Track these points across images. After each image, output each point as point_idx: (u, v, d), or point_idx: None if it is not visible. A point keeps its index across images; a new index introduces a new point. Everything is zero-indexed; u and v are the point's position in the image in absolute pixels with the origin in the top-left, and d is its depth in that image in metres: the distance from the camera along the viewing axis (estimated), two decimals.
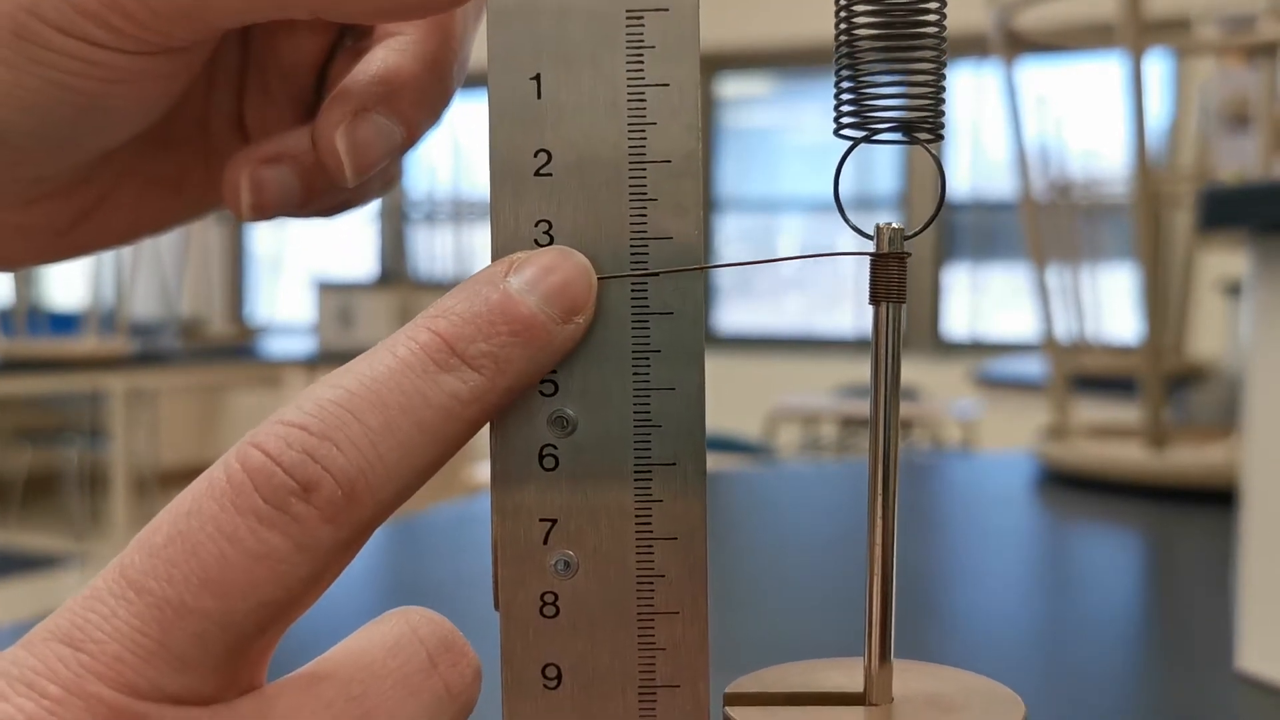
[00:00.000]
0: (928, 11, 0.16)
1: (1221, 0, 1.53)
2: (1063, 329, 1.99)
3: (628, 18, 0.16)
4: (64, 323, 3.73)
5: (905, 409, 3.91)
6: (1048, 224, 2.10)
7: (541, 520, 0.17)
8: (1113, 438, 1.27)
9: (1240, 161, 1.74)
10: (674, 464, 0.17)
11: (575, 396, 0.17)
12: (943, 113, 0.16)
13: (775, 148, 5.40)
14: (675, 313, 0.17)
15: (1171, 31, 1.98)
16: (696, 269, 0.16)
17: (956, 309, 4.95)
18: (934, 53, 0.17)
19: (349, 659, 0.18)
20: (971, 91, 4.76)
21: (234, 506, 0.17)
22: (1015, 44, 1.25)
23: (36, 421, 4.44)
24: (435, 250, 3.79)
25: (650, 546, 0.17)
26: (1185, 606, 0.75)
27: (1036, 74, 1.57)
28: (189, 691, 0.17)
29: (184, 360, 3.25)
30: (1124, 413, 1.67)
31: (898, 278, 0.16)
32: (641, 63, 0.16)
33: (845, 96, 0.16)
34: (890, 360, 0.17)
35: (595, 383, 0.17)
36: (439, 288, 3.46)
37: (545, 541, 0.17)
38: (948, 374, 4.31)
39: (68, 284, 5.18)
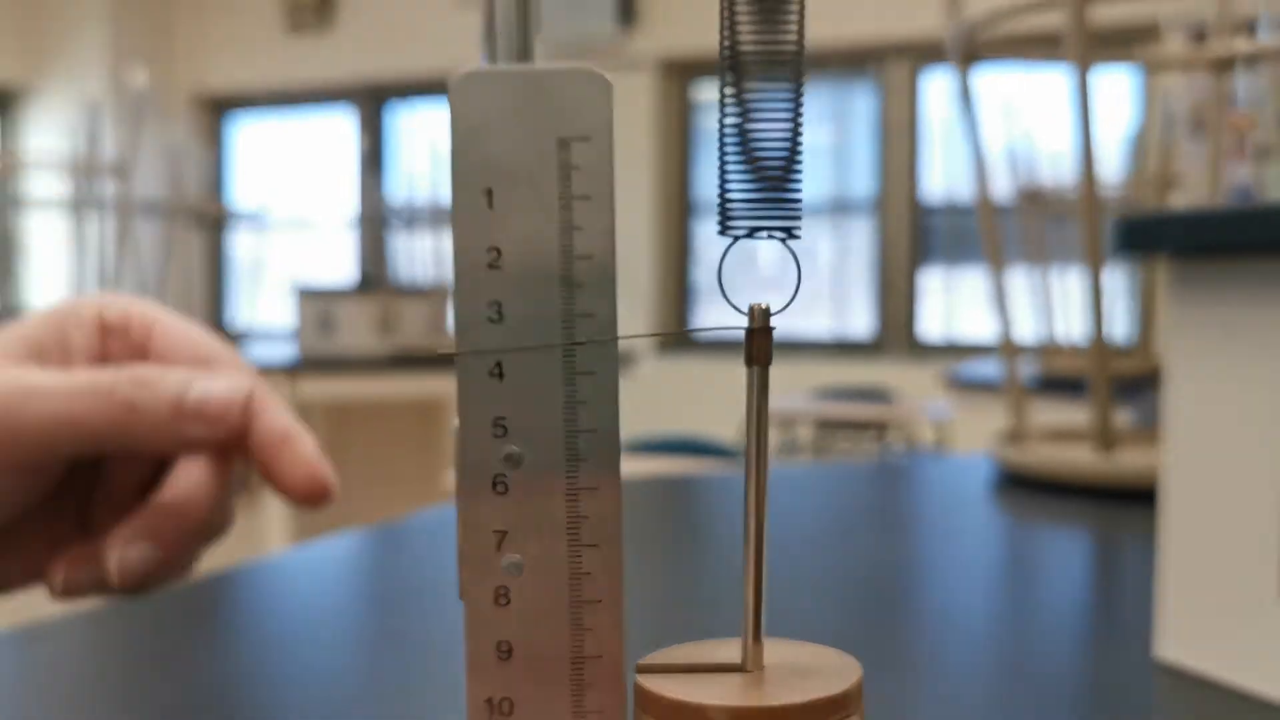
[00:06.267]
0: (786, 110, 0.21)
1: (1191, 6, 1.58)
2: (1029, 332, 2.03)
3: (558, 145, 0.21)
4: None
5: (879, 411, 3.96)
6: (1017, 228, 2.16)
7: (495, 532, 0.22)
8: (1067, 440, 1.33)
9: (1204, 166, 1.79)
10: (596, 488, 0.21)
11: (521, 437, 0.22)
12: (798, 215, 0.21)
13: None
14: (597, 373, 0.21)
15: (1138, 39, 2.03)
16: (611, 339, 0.21)
17: (931, 311, 5.01)
18: (787, 156, 0.21)
19: None
20: (945, 94, 4.82)
21: None
22: (972, 56, 1.31)
23: None
24: (415, 256, 3.81)
25: (579, 552, 0.22)
26: (1116, 601, 0.80)
27: (1004, 80, 1.61)
28: None
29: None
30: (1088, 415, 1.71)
31: (766, 348, 0.21)
32: (570, 180, 0.21)
33: (719, 200, 0.21)
34: (758, 407, 0.21)
35: (537, 426, 0.22)
36: (419, 294, 3.47)
37: (499, 548, 0.22)
38: (922, 375, 4.36)
39: (49, 290, 5.19)
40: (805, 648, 0.23)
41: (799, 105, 0.22)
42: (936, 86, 4.82)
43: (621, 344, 0.22)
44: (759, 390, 0.21)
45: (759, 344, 0.21)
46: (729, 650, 0.22)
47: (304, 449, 0.31)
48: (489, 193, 0.21)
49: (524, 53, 0.22)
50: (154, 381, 0.29)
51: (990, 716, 0.57)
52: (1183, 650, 0.63)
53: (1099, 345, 1.22)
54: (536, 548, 0.22)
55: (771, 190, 0.20)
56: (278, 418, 0.31)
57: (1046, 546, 1.05)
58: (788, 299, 0.21)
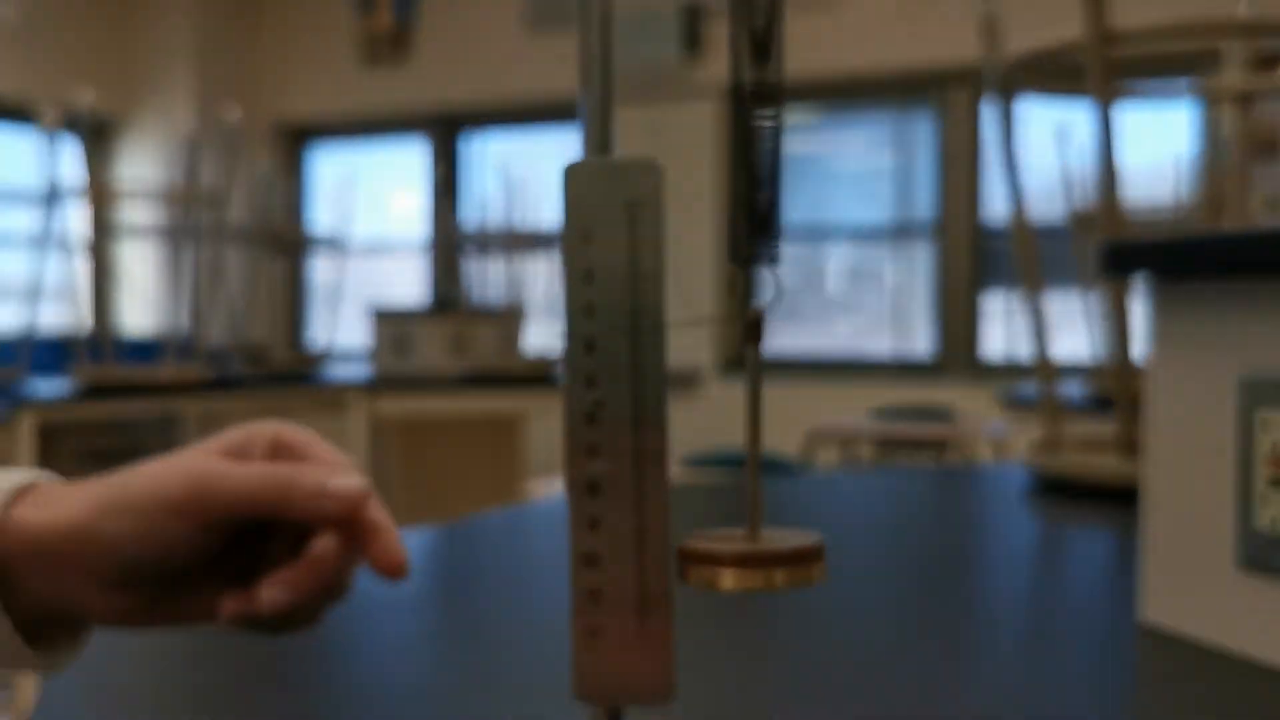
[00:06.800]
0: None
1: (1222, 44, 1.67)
2: (1083, 352, 2.11)
3: (627, 205, 0.34)
4: (140, 350, 3.95)
5: (938, 430, 4.04)
6: (1069, 250, 2.24)
7: (589, 447, 0.34)
8: (1096, 449, 1.43)
9: (1270, 187, 1.88)
10: (650, 420, 0.34)
11: (604, 388, 0.34)
12: (776, 253, 0.34)
13: (822, 174, 5.51)
14: (652, 348, 0.34)
15: (1199, 67, 2.12)
16: (660, 327, 0.34)
17: (994, 333, 5.07)
18: (773, 179, 0.34)
19: None
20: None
21: None
22: (1009, 89, 1.42)
23: (106, 444, 4.63)
24: (488, 279, 3.95)
25: (640, 455, 0.34)
26: (1118, 581, 0.91)
27: (1059, 107, 1.70)
28: None
29: (253, 386, 3.40)
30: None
31: (760, 334, 0.33)
32: (635, 227, 0.34)
33: (730, 233, 0.34)
34: (755, 365, 0.34)
35: (614, 381, 0.34)
36: (492, 316, 3.59)
37: (590, 458, 0.34)
38: (983, 396, 4.43)
39: (141, 313, 5.42)
40: (788, 530, 0.36)
41: (779, 133, 0.34)
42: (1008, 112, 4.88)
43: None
44: (755, 366, 0.33)
45: (753, 332, 0.33)
46: (740, 531, 0.35)
47: (392, 539, 0.45)
48: (586, 234, 0.34)
49: (604, 145, 0.35)
50: (306, 472, 0.44)
51: (1014, 667, 0.69)
52: (1161, 613, 0.75)
53: (1121, 359, 1.33)
54: (614, 457, 0.34)
55: (761, 216, 0.32)
56: (380, 513, 0.45)
57: (1067, 539, 1.16)
58: (778, 306, 0.33)
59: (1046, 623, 0.83)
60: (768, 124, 0.33)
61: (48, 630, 0.45)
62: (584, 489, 0.34)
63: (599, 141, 0.34)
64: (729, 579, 0.33)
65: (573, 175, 0.33)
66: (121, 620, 0.44)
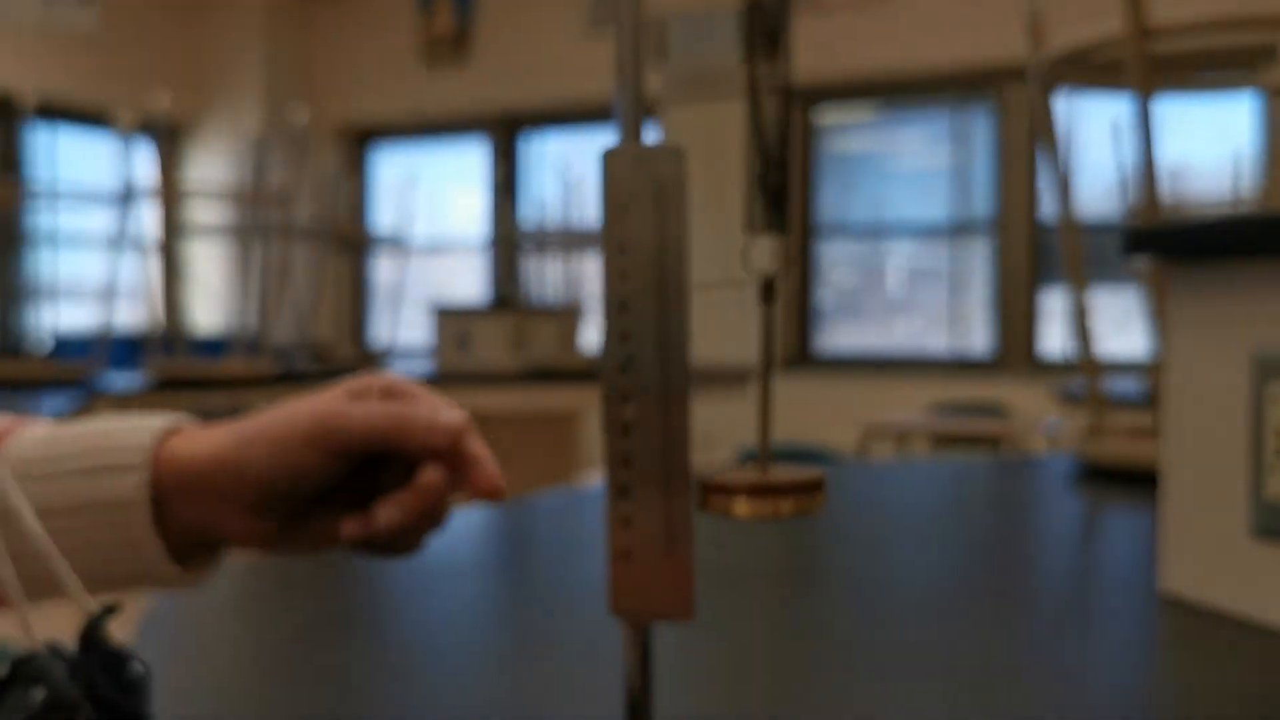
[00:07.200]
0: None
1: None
2: (1147, 348, 2.11)
3: (656, 183, 0.39)
4: (209, 346, 4.06)
5: (992, 426, 4.04)
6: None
7: (624, 395, 0.39)
8: (1139, 437, 1.46)
9: None
10: (673, 372, 0.39)
11: (636, 343, 0.39)
12: (786, 225, 0.39)
13: (880, 173, 5.52)
14: (676, 309, 0.39)
15: (1263, 61, 2.13)
16: (684, 292, 0.39)
17: (1052, 330, 5.06)
18: (780, 165, 0.39)
19: None
20: (1065, 115, 4.86)
21: None
22: (1053, 84, 1.45)
23: None
24: (546, 277, 4.01)
25: (665, 406, 0.39)
26: (1141, 556, 0.95)
27: (1117, 103, 1.72)
28: None
29: (318, 381, 3.48)
30: None
31: (773, 294, 0.38)
32: (663, 203, 0.39)
33: (746, 203, 0.39)
34: (768, 322, 0.39)
35: (643, 337, 0.39)
36: (550, 313, 3.65)
37: (623, 401, 0.39)
38: (1041, 392, 4.42)
39: (211, 310, 5.56)
40: (796, 465, 0.41)
41: (788, 121, 0.39)
42: (1057, 108, 4.86)
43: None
44: (769, 316, 0.38)
45: (768, 293, 0.38)
46: (753, 467, 0.40)
47: (491, 466, 0.51)
48: (621, 210, 0.39)
49: (637, 134, 0.40)
50: (418, 409, 0.50)
51: (1050, 630, 0.74)
52: (1179, 581, 0.78)
53: (1160, 354, 1.35)
54: (644, 402, 0.40)
55: (773, 193, 0.37)
56: (480, 446, 0.51)
57: (1104, 519, 1.20)
58: (794, 268, 0.38)
59: (1073, 590, 0.87)
60: (778, 114, 0.38)
61: (191, 552, 0.51)
62: (618, 430, 0.39)
63: (632, 129, 0.40)
64: (742, 506, 0.38)
65: (609, 159, 0.39)
66: (256, 542, 0.50)
